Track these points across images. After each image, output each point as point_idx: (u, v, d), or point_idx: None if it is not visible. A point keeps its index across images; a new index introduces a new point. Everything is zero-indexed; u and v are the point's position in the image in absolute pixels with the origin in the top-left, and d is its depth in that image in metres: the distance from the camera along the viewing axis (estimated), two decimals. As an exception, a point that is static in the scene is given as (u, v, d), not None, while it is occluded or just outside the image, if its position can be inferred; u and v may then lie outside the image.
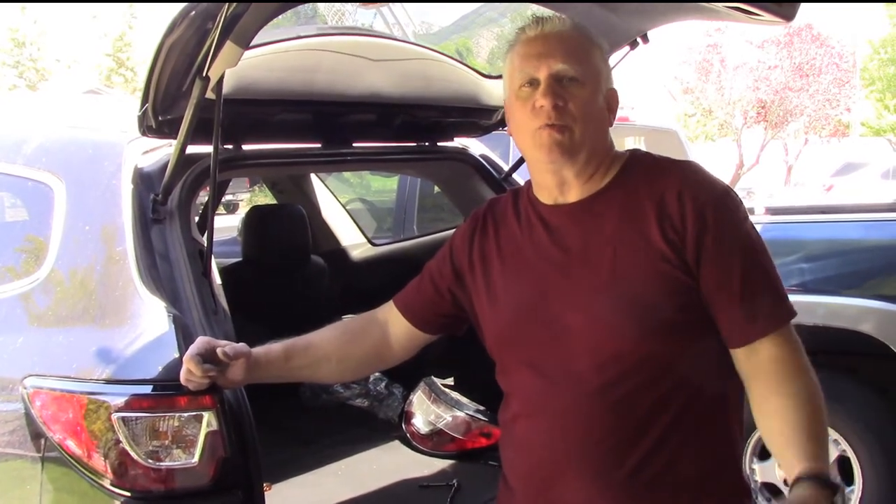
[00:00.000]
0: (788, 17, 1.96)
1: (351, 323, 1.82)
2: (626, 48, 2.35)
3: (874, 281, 3.39)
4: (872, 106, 28.00)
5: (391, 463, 2.89)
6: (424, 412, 3.00)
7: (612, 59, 2.38)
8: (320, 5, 2.69)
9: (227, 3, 1.54)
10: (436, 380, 3.11)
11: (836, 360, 3.41)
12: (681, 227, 1.42)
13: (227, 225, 7.17)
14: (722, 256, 1.42)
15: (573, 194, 1.54)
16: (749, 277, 1.43)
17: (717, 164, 16.74)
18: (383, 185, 7.11)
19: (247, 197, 11.88)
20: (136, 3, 25.07)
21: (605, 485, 1.46)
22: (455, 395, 3.03)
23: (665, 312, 1.42)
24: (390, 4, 2.75)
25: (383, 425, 3.26)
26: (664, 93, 22.72)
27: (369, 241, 4.33)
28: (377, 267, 4.04)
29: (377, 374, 3.46)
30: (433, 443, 2.95)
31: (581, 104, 1.48)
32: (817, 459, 1.37)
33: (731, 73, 19.35)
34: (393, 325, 1.77)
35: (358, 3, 2.67)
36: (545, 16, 1.55)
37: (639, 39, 2.32)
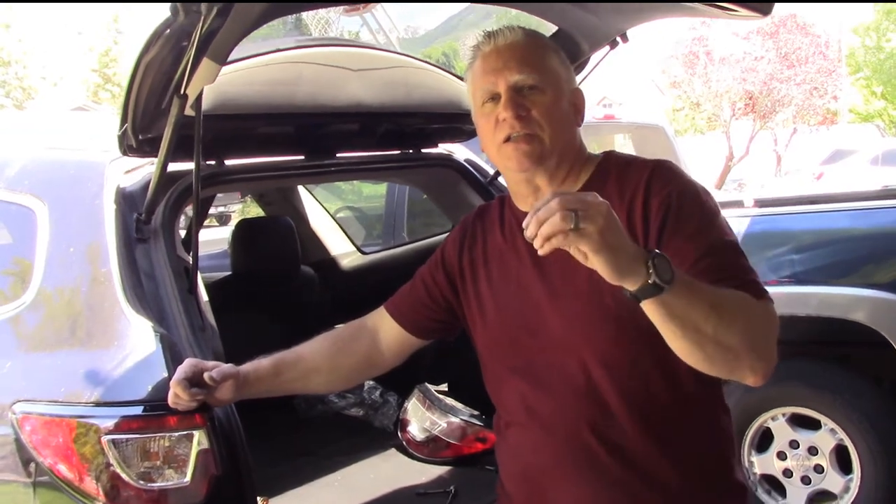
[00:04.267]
0: (765, 11, 1.96)
1: (340, 332, 1.81)
2: (607, 48, 2.35)
3: (865, 269, 3.40)
4: (860, 92, 28.08)
5: (388, 471, 2.89)
6: (420, 419, 2.99)
7: (594, 59, 2.40)
8: (305, 16, 2.68)
9: (202, 20, 1.54)
10: (430, 386, 3.10)
11: (829, 349, 3.42)
12: (644, 225, 1.43)
13: (219, 237, 7.15)
14: (681, 238, 1.40)
15: None
16: (716, 271, 1.37)
17: (706, 156, 16.80)
18: (373, 192, 7.10)
19: (238, 208, 11.85)
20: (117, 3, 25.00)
21: (597, 487, 1.47)
22: (449, 401, 3.03)
23: (640, 313, 1.41)
24: (374, 11, 2.75)
25: (379, 434, 3.25)
26: (651, 88, 22.78)
27: (358, 249, 4.33)
28: (367, 275, 4.04)
29: (371, 382, 3.45)
30: (429, 449, 2.95)
31: (544, 110, 1.49)
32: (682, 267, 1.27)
33: (717, 65, 19.39)
34: (384, 332, 1.77)
35: (341, 9, 2.67)
36: (496, 30, 1.55)
37: (618, 39, 2.32)
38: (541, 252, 1.16)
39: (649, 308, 1.23)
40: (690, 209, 1.43)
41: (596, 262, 1.16)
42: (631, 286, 1.20)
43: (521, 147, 1.47)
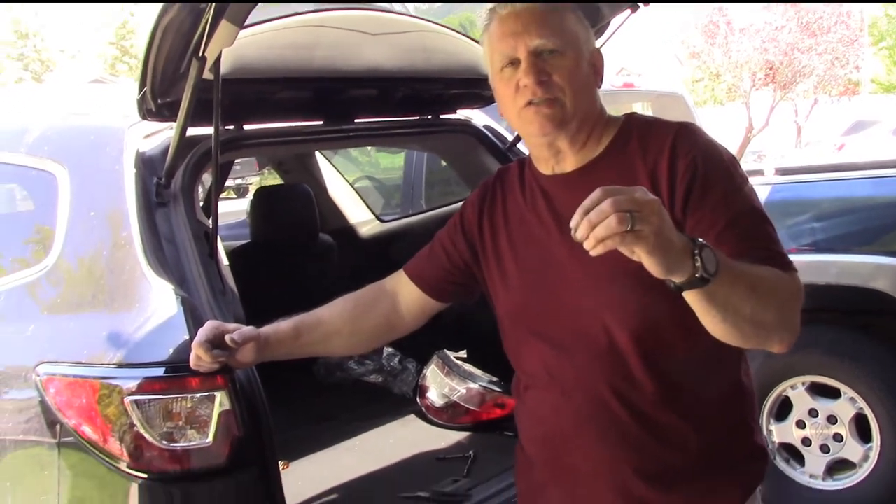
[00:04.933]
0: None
1: (360, 295, 1.80)
2: (627, 11, 2.33)
3: (887, 237, 3.37)
4: (882, 62, 27.66)
5: (407, 437, 2.91)
6: (438, 385, 3.01)
7: (614, 23, 2.37)
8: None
9: (220, -18, 1.53)
10: (449, 353, 3.12)
11: (850, 318, 3.40)
12: (669, 186, 1.40)
13: (237, 209, 7.18)
14: (709, 205, 1.38)
15: (569, 163, 1.53)
16: (742, 239, 1.37)
17: (726, 127, 16.62)
18: (391, 163, 7.10)
19: (256, 180, 11.88)
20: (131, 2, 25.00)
21: (617, 449, 1.47)
22: (468, 367, 3.04)
23: None
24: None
25: (398, 400, 3.27)
26: (671, 58, 22.54)
27: (377, 217, 4.33)
28: (386, 243, 4.04)
29: (390, 349, 3.47)
30: (448, 415, 2.97)
31: (566, 74, 1.46)
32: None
33: (737, 35, 19.14)
34: (404, 295, 1.77)
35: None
36: None
37: (639, 2, 2.29)
38: (593, 253, 1.13)
39: (693, 297, 1.22)
40: (717, 175, 1.42)
41: (647, 261, 1.15)
42: (677, 279, 1.18)
43: (543, 111, 1.46)
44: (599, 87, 1.56)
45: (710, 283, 1.18)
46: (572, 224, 1.13)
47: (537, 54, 1.46)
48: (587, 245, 1.12)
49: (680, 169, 1.41)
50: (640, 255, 1.14)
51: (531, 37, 1.47)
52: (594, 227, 1.10)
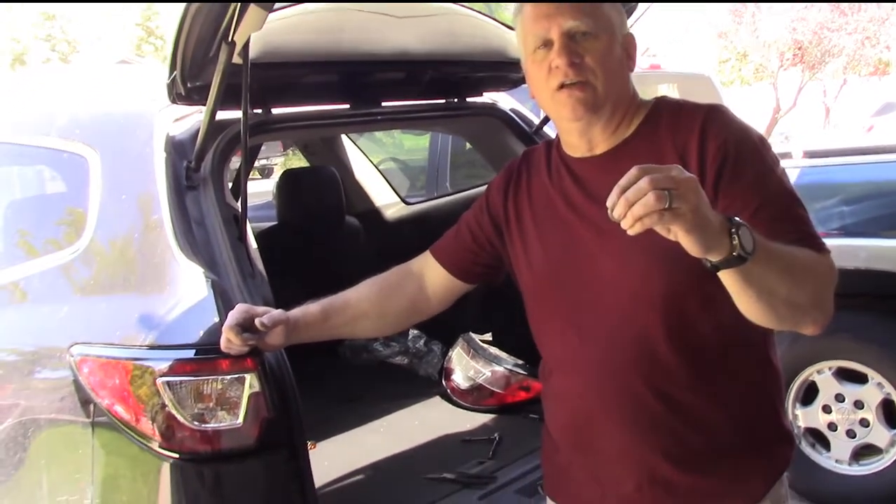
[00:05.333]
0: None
1: (387, 277, 1.81)
2: (656, -6, 2.31)
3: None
4: (914, 42, 27.20)
5: (432, 418, 2.93)
6: (464, 368, 3.02)
7: (641, 6, 2.35)
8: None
9: (249, -34, 1.54)
10: (474, 336, 3.13)
11: (879, 302, 3.37)
12: (700, 165, 1.40)
13: (262, 189, 7.22)
14: (740, 186, 1.38)
15: (600, 147, 1.53)
16: (773, 208, 1.37)
17: (753, 108, 16.45)
18: (415, 144, 7.09)
19: (280, 161, 11.91)
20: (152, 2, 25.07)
21: (644, 432, 1.47)
22: (493, 350, 3.05)
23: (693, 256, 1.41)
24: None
25: (423, 382, 3.29)
26: (698, 38, 22.28)
27: (402, 200, 4.33)
28: (411, 225, 4.05)
29: (416, 331, 3.49)
30: (473, 398, 2.98)
31: (598, 57, 1.46)
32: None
33: (765, 14, 18.89)
34: (430, 277, 1.78)
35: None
36: None
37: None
38: (631, 232, 1.12)
39: (728, 277, 1.21)
40: (749, 156, 1.41)
41: (685, 240, 1.14)
42: (714, 258, 1.17)
43: (576, 94, 1.45)
44: (632, 71, 1.55)
45: (747, 262, 1.17)
46: (609, 203, 1.12)
47: (570, 36, 1.46)
48: (625, 224, 1.12)
49: (710, 150, 1.40)
50: (678, 234, 1.13)
51: (564, 18, 1.46)
52: (631, 205, 1.10)
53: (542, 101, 1.54)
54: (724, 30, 20.00)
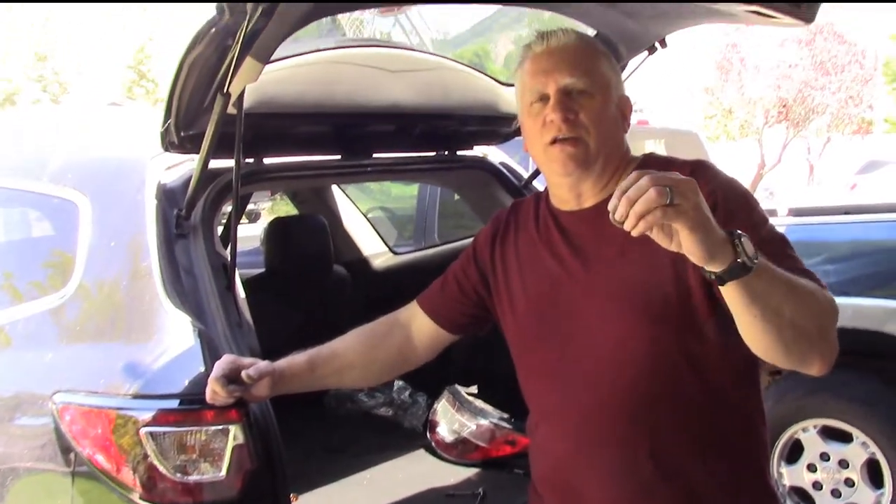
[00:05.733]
0: (808, 18, 1.94)
1: (374, 327, 1.82)
2: (645, 53, 2.35)
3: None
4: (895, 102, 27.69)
5: (417, 472, 2.89)
6: (449, 421, 3.00)
7: (631, 65, 2.39)
8: (340, 16, 2.70)
9: (246, 21, 1.56)
10: (460, 388, 3.11)
11: (863, 361, 3.38)
12: None
13: (250, 234, 7.21)
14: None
15: (589, 201, 1.55)
16: (764, 247, 1.35)
17: (738, 164, 16.63)
18: (403, 192, 7.13)
19: (268, 206, 11.93)
20: (154, 2, 25.31)
21: (628, 488, 1.46)
22: (479, 403, 3.03)
23: (676, 311, 1.42)
24: (407, 12, 2.76)
25: (408, 434, 3.26)
26: (684, 94, 22.62)
27: (391, 249, 4.34)
28: (399, 275, 4.05)
29: (401, 382, 3.46)
30: (458, 451, 2.95)
31: (593, 114, 1.49)
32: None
33: (751, 72, 19.22)
34: (417, 327, 1.78)
35: (376, 11, 2.68)
36: (549, 31, 1.55)
37: (657, 44, 2.31)
38: (634, 233, 1.13)
39: (732, 291, 1.20)
40: (738, 204, 1.43)
41: (688, 241, 1.14)
42: (718, 267, 1.17)
43: (567, 149, 1.48)
44: (626, 132, 1.58)
45: (752, 273, 1.17)
46: (610, 207, 1.14)
47: (566, 92, 1.49)
48: (627, 224, 1.12)
49: None
50: (681, 233, 1.13)
51: (562, 75, 1.50)
52: (633, 203, 1.11)
53: (534, 154, 1.56)
54: (710, 86, 20.32)
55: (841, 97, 19.00)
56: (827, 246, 3.59)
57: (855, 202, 5.12)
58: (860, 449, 3.26)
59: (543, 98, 1.51)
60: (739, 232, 1.18)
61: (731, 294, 1.21)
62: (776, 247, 1.39)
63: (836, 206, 4.21)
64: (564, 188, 1.55)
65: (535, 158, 1.57)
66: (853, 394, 3.30)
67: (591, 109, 1.49)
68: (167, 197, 2.06)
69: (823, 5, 1.97)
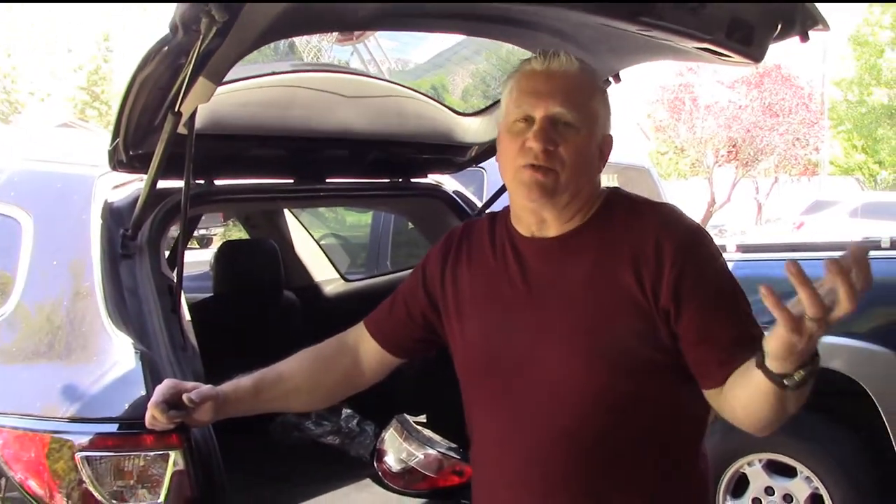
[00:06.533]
0: (757, 58, 1.98)
1: (321, 350, 1.78)
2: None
3: (844, 319, 3.42)
4: (841, 145, 28.49)
5: (363, 501, 2.85)
6: (396, 450, 2.96)
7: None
8: (297, 43, 2.69)
9: (199, 41, 1.54)
10: (408, 417, 3.08)
11: (808, 397, 3.42)
12: (657, 271, 1.40)
13: (201, 259, 7.12)
14: (704, 302, 1.40)
15: (551, 231, 1.52)
16: (732, 322, 1.41)
17: (689, 201, 16.93)
18: (358, 221, 7.11)
19: (220, 231, 11.81)
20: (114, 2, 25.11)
21: None
22: (427, 432, 3.00)
23: (632, 355, 1.41)
24: (366, 42, 2.76)
25: (355, 463, 3.21)
26: (637, 131, 23.01)
27: (342, 276, 4.31)
28: (350, 302, 4.01)
29: (349, 411, 3.42)
30: (405, 481, 2.91)
31: (572, 150, 1.45)
32: None
33: (702, 112, 19.64)
34: (364, 351, 1.75)
35: (334, 39, 2.68)
36: (553, 51, 1.50)
37: (611, 79, 2.34)
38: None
39: (778, 393, 1.25)
40: (708, 278, 1.43)
41: (807, 343, 1.17)
42: (804, 370, 1.23)
43: (538, 177, 1.44)
44: (600, 171, 1.55)
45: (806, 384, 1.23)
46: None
47: (553, 122, 1.45)
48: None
49: (666, 256, 1.41)
50: (812, 335, 1.16)
51: (554, 102, 1.45)
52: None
53: (504, 171, 1.52)
54: (663, 124, 20.71)
55: (788, 139, 19.49)
56: (773, 282, 3.63)
57: (801, 240, 5.22)
58: (804, 483, 3.30)
59: (528, 119, 1.47)
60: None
61: (774, 393, 1.26)
62: (738, 328, 1.42)
63: (783, 244, 4.29)
64: (528, 211, 1.52)
65: (504, 175, 1.53)
66: (798, 429, 3.34)
67: (573, 144, 1.45)
68: (113, 216, 2.02)
69: (772, 46, 2.01)
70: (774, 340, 1.19)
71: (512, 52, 2.35)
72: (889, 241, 3.58)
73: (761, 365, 1.24)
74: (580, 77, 1.49)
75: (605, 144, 1.54)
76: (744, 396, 1.33)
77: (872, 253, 3.47)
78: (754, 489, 3.40)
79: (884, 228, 9.30)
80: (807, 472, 3.28)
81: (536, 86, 1.48)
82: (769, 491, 3.37)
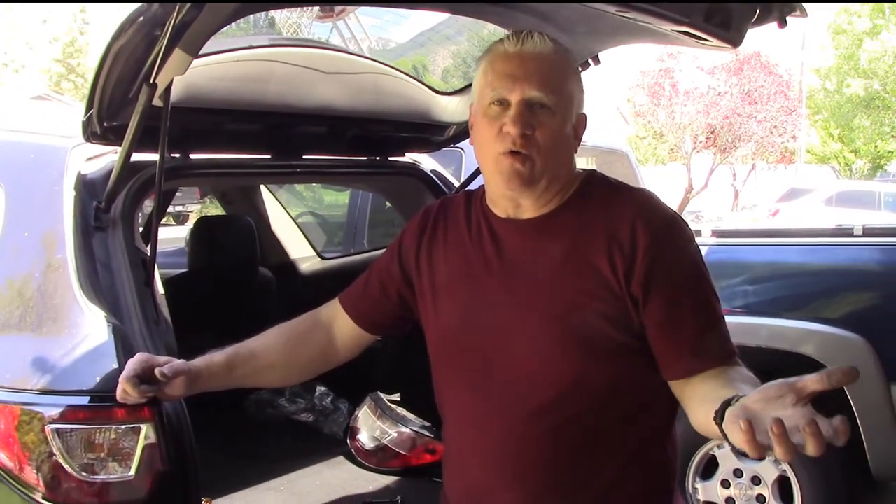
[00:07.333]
0: (735, 42, 1.99)
1: (295, 326, 1.77)
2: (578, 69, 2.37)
3: (816, 304, 3.46)
4: (818, 134, 28.72)
5: (335, 478, 2.87)
6: (370, 428, 2.98)
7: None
8: (277, 18, 2.67)
9: (176, 10, 1.52)
10: (382, 395, 3.09)
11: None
12: (630, 257, 1.41)
13: (176, 236, 7.08)
14: (672, 292, 1.41)
15: (527, 212, 1.51)
16: (697, 316, 1.43)
17: (666, 186, 17.03)
18: (335, 200, 7.08)
19: (196, 208, 11.73)
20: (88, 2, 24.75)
21: None
22: (401, 410, 3.02)
23: (606, 339, 1.42)
24: (346, 19, 2.74)
25: (328, 440, 3.23)
26: (617, 115, 23.08)
27: (318, 254, 4.30)
28: (326, 280, 4.01)
29: (323, 388, 3.43)
30: (378, 458, 2.93)
31: (548, 134, 1.44)
32: None
33: (682, 97, 19.71)
34: (338, 327, 1.75)
35: (314, 15, 2.66)
36: (526, 32, 1.48)
37: (590, 61, 2.34)
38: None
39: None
40: (680, 266, 1.44)
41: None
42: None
43: (516, 166, 1.43)
44: (576, 151, 1.54)
45: None
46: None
47: (529, 105, 1.44)
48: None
49: (640, 242, 1.41)
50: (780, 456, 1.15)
51: (530, 86, 1.43)
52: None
53: (481, 157, 1.51)
54: (642, 109, 20.77)
55: (766, 126, 19.62)
56: (746, 266, 3.67)
57: (776, 227, 5.27)
58: (772, 466, 3.34)
59: (503, 102, 1.45)
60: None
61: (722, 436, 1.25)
62: (705, 319, 1.43)
63: (757, 230, 4.33)
64: (505, 198, 1.52)
65: (481, 160, 1.52)
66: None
67: (548, 128, 1.44)
68: (87, 188, 2.00)
69: (751, 32, 2.02)
70: (736, 434, 1.18)
71: (493, 34, 2.33)
72: (861, 229, 3.61)
73: (718, 424, 1.24)
74: (555, 59, 1.48)
75: (580, 124, 1.53)
76: (698, 419, 1.36)
77: (845, 240, 3.54)
78: (723, 471, 3.45)
79: (857, 216, 9.43)
80: (774, 455, 3.32)
81: (511, 68, 1.46)
82: (738, 473, 3.42)
